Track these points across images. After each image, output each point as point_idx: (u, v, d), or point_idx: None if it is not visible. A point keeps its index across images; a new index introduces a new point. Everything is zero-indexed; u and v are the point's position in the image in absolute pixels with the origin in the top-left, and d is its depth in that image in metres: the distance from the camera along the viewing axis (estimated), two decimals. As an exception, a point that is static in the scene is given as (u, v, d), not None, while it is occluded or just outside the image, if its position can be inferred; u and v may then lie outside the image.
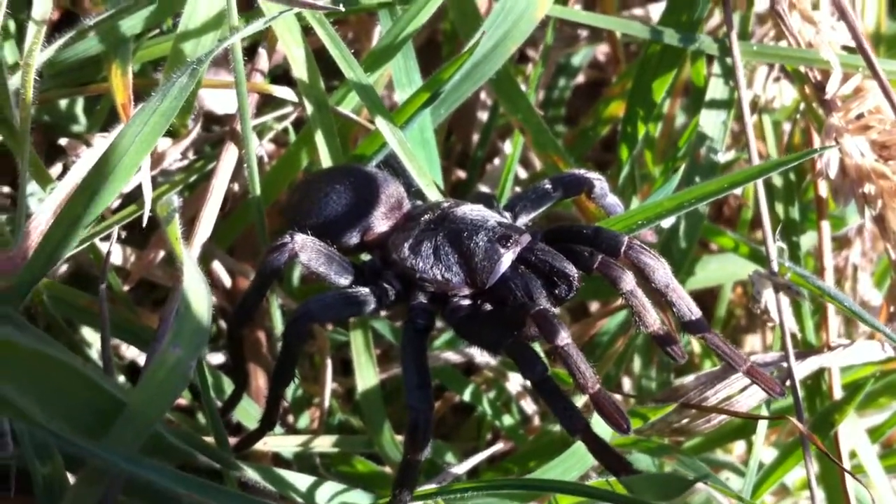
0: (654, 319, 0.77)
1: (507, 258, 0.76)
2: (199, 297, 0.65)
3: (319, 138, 0.86)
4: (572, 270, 0.75)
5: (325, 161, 0.87)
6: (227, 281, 0.99)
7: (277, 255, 0.76)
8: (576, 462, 0.84)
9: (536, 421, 1.07)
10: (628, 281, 0.74)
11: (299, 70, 0.85)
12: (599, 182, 0.85)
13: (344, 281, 0.79)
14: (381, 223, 0.82)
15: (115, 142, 0.71)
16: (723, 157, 0.98)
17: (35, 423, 0.61)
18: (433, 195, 0.87)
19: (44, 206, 0.75)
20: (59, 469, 0.67)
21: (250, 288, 0.78)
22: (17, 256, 0.75)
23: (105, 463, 0.63)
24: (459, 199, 0.85)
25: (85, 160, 0.78)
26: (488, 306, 0.77)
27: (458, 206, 0.80)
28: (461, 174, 1.18)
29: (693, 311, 0.77)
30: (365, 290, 0.78)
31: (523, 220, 0.84)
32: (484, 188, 1.13)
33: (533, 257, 0.76)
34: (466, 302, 0.78)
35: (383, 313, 1.02)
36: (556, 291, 0.75)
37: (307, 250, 0.76)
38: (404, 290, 0.80)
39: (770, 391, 0.76)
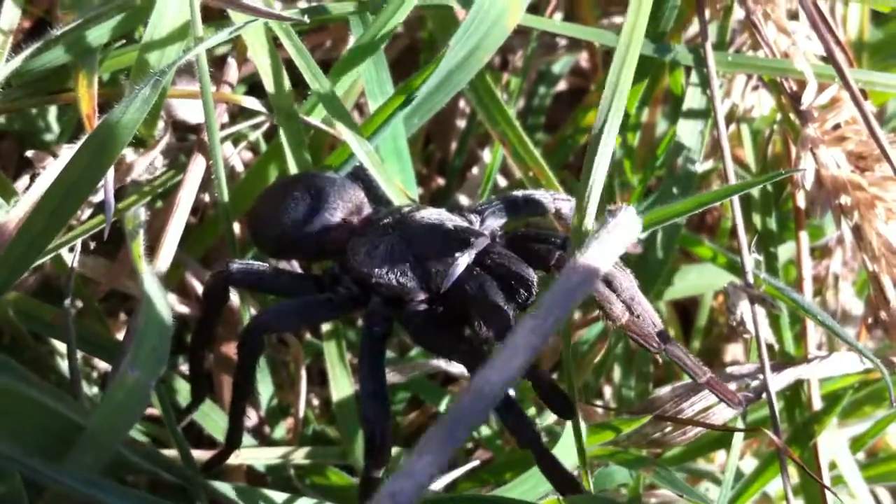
0: (621, 310, 0.75)
1: (462, 262, 0.75)
2: (157, 318, 0.64)
3: (287, 148, 0.85)
4: (530, 274, 0.73)
5: (293, 171, 0.86)
6: (200, 291, 0.98)
7: (214, 284, 0.77)
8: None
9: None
10: None
11: (267, 80, 0.84)
12: (568, 203, 0.84)
13: (298, 292, 0.78)
14: (338, 229, 0.81)
15: (76, 154, 0.71)
16: (700, 168, 0.97)
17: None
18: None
19: (6, 219, 0.74)
20: (19, 488, 0.67)
21: (199, 315, 0.78)
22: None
23: (65, 488, 0.62)
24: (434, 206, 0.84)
25: (50, 172, 0.77)
26: (444, 311, 0.76)
27: (417, 211, 0.79)
28: (441, 181, 1.17)
29: (656, 324, 0.76)
30: (321, 297, 0.77)
31: (491, 224, 0.83)
32: (463, 197, 1.12)
33: (489, 261, 0.75)
34: (423, 307, 0.76)
35: (361, 324, 1.01)
36: (517, 296, 0.74)
37: (243, 277, 0.77)
38: (362, 296, 0.78)
39: (729, 402, 0.75)
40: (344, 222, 0.81)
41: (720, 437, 1.03)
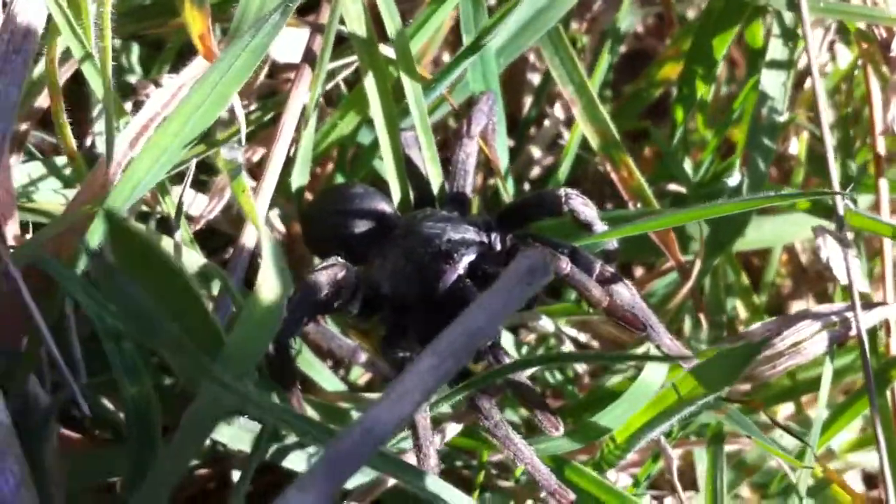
0: (601, 294, 0.79)
1: (450, 275, 0.79)
2: (275, 250, 0.70)
3: (371, 91, 0.87)
4: None
5: (377, 115, 0.87)
6: (281, 228, 0.98)
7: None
8: (629, 407, 0.83)
9: (586, 380, 1.07)
10: (563, 265, 0.77)
11: (352, 23, 0.85)
12: (580, 200, 0.85)
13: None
14: (362, 240, 0.86)
15: (206, 74, 0.72)
16: (782, 118, 0.99)
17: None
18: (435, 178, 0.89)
19: (123, 134, 0.75)
20: (150, 392, 0.67)
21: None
22: (104, 176, 0.76)
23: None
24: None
25: (162, 93, 0.78)
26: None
27: (424, 221, 0.83)
28: (510, 142, 1.18)
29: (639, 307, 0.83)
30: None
31: (495, 231, 0.85)
32: (536, 150, 1.13)
33: (481, 272, 0.80)
34: (424, 314, 0.81)
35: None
36: None
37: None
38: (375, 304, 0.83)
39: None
40: (368, 234, 0.86)
41: (788, 389, 1.04)
